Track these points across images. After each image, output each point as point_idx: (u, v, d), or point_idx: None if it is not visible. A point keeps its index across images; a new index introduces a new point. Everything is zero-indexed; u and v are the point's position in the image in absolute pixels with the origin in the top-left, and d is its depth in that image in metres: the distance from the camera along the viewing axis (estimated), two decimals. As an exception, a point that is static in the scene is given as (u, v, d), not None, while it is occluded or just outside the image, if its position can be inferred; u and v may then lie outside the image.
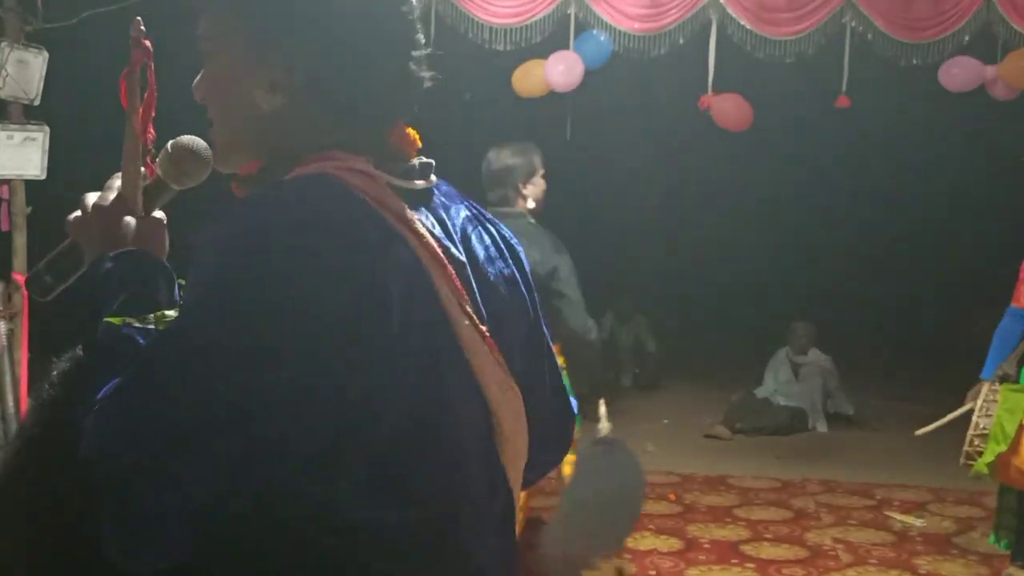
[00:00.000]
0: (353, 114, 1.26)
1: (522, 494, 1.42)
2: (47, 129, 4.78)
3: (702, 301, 10.53)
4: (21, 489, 1.29)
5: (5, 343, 4.68)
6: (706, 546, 5.06)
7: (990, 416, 4.21)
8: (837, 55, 5.52)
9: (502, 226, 1.41)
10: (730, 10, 5.32)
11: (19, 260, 4.80)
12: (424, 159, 1.33)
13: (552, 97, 5.72)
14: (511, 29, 5.38)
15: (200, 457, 1.08)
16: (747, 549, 5.01)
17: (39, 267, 1.39)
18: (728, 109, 5.65)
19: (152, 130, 1.36)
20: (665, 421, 7.74)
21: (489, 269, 1.33)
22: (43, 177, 4.80)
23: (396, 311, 1.14)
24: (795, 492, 6.04)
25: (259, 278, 1.10)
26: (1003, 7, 5.22)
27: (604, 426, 4.14)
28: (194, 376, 1.09)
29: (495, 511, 1.31)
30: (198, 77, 1.31)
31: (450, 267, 1.24)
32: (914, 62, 5.46)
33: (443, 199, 1.34)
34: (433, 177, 1.33)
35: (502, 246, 1.38)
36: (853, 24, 5.38)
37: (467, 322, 1.23)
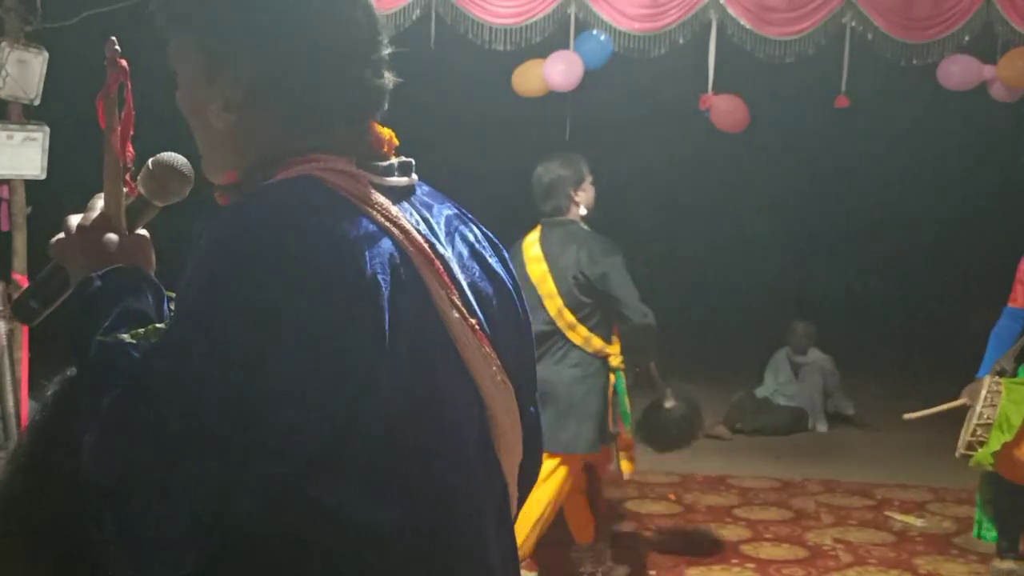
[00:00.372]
0: (317, 118, 1.27)
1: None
2: (47, 129, 4.78)
3: (702, 301, 10.53)
4: (20, 511, 1.29)
5: (5, 343, 4.67)
6: (706, 546, 5.06)
7: (994, 406, 4.17)
8: (837, 55, 5.51)
9: (482, 225, 1.42)
10: (730, 10, 5.32)
11: (19, 260, 4.79)
12: (403, 158, 1.34)
13: (552, 97, 5.71)
14: (511, 29, 5.38)
15: (201, 465, 1.08)
16: (747, 549, 5.01)
17: (23, 293, 1.40)
18: (723, 110, 5.65)
19: (131, 148, 1.37)
20: (665, 421, 7.73)
21: (475, 266, 1.33)
22: (43, 177, 4.79)
23: (386, 307, 1.15)
24: (795, 492, 6.04)
25: (248, 283, 1.11)
26: (1003, 7, 5.21)
27: (670, 403, 4.44)
28: (190, 385, 1.09)
29: (493, 504, 1.32)
30: (177, 93, 1.34)
31: (438, 262, 1.25)
32: (914, 62, 5.45)
33: (425, 198, 1.35)
34: (414, 176, 1.34)
35: (486, 244, 1.39)
36: (853, 24, 5.37)
37: (457, 315, 1.25)
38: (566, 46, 5.50)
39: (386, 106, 1.33)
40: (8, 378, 4.67)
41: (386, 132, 1.34)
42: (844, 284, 10.85)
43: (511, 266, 1.41)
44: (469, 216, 1.40)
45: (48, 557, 1.27)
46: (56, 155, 4.82)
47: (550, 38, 5.47)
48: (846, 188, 10.71)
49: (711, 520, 5.47)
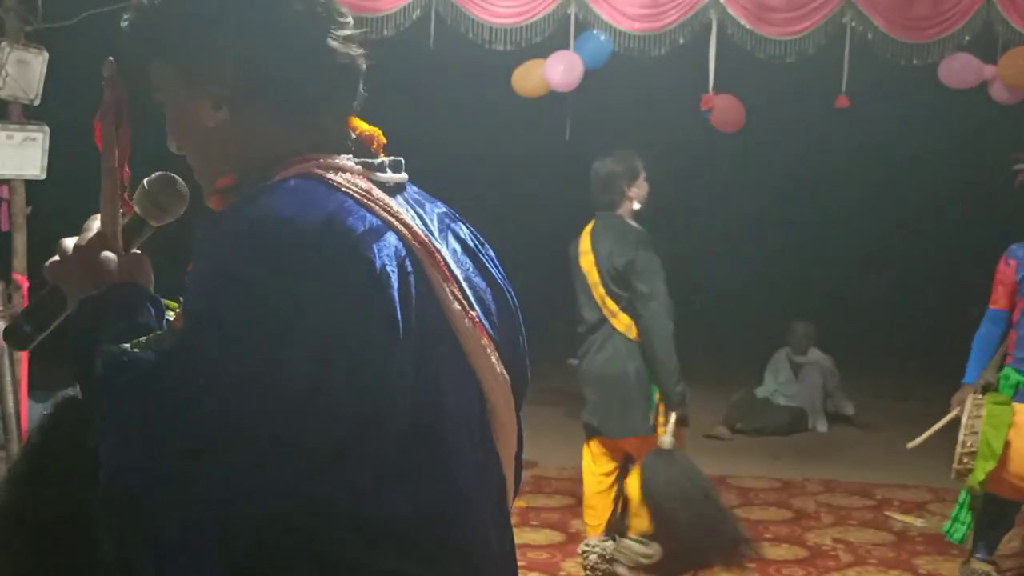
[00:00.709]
0: (303, 103, 1.29)
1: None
2: (47, 129, 4.78)
3: (702, 300, 10.52)
4: (23, 528, 1.29)
5: (5, 343, 4.67)
6: (706, 546, 5.06)
7: (976, 433, 4.21)
8: (837, 55, 5.51)
9: (470, 224, 1.43)
10: (730, 10, 5.32)
11: (19, 260, 4.79)
12: (393, 157, 1.35)
13: (552, 97, 5.72)
14: (511, 29, 5.38)
15: (222, 467, 1.09)
16: (747, 549, 5.01)
17: (16, 318, 1.39)
18: (720, 109, 5.65)
19: (128, 168, 1.37)
20: (665, 421, 7.73)
21: (468, 261, 1.35)
22: (43, 177, 4.79)
23: (396, 300, 1.16)
24: (795, 492, 6.04)
25: (260, 281, 1.11)
26: (1003, 7, 5.21)
27: (665, 439, 4.27)
28: (207, 387, 1.09)
29: (493, 496, 1.33)
30: (168, 135, 1.35)
31: (439, 255, 1.26)
32: (914, 62, 5.45)
33: (416, 196, 1.37)
34: (404, 174, 1.36)
35: (478, 241, 1.40)
36: (853, 24, 5.38)
37: (458, 307, 1.26)
38: (566, 46, 5.50)
39: (362, 87, 1.35)
40: (8, 378, 4.67)
41: (374, 130, 1.36)
42: (844, 284, 10.84)
43: (498, 265, 1.42)
44: (458, 215, 1.42)
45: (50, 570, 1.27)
46: (56, 155, 4.82)
47: (550, 38, 5.47)
48: (846, 188, 10.70)
49: (711, 520, 5.46)
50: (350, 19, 1.32)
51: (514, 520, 1.47)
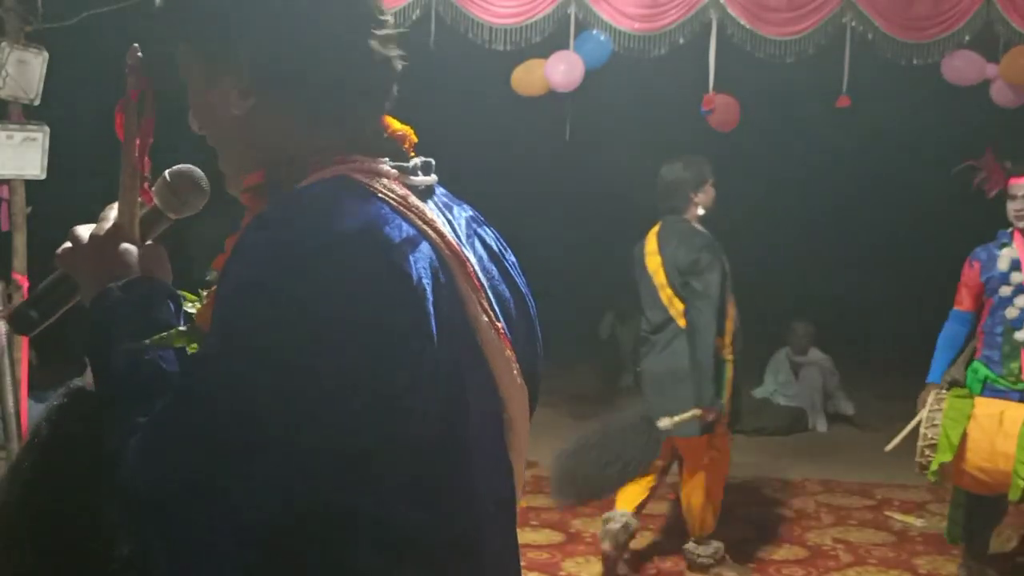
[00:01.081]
0: (330, 103, 1.26)
1: None
2: (47, 129, 4.78)
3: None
4: (25, 526, 1.28)
5: (5, 343, 4.67)
6: (706, 546, 5.05)
7: (936, 426, 4.27)
8: (837, 55, 5.51)
9: (493, 228, 1.42)
10: (730, 10, 5.32)
11: (19, 260, 4.79)
12: (424, 158, 1.33)
13: (551, 97, 5.71)
14: (511, 29, 5.38)
15: (249, 476, 1.08)
16: (747, 549, 5.01)
17: (22, 303, 1.38)
18: (715, 108, 5.65)
19: (148, 159, 1.35)
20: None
21: (493, 268, 1.33)
22: (43, 177, 4.79)
23: (428, 312, 1.15)
24: (795, 492, 6.04)
25: (295, 288, 1.09)
26: (1003, 7, 5.22)
27: (665, 422, 4.35)
28: (236, 395, 1.08)
29: (505, 507, 1.32)
30: (190, 115, 1.33)
31: (469, 265, 1.25)
32: (914, 62, 5.46)
33: (444, 199, 1.35)
34: (434, 176, 1.33)
35: (501, 246, 1.39)
36: (853, 24, 5.38)
37: (485, 319, 1.24)
38: (566, 46, 5.50)
39: (396, 90, 1.31)
40: (8, 378, 4.67)
41: (406, 129, 1.33)
42: (844, 284, 10.83)
43: (521, 270, 1.40)
44: (483, 219, 1.40)
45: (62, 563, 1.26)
46: (56, 155, 4.82)
47: (550, 38, 5.47)
48: (846, 188, 10.70)
49: (711, 520, 5.46)
50: (390, 18, 1.29)
51: (514, 520, 1.48)
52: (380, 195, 1.19)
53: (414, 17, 5.28)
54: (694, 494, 4.59)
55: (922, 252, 10.59)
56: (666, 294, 4.53)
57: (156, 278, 1.30)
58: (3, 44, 4.61)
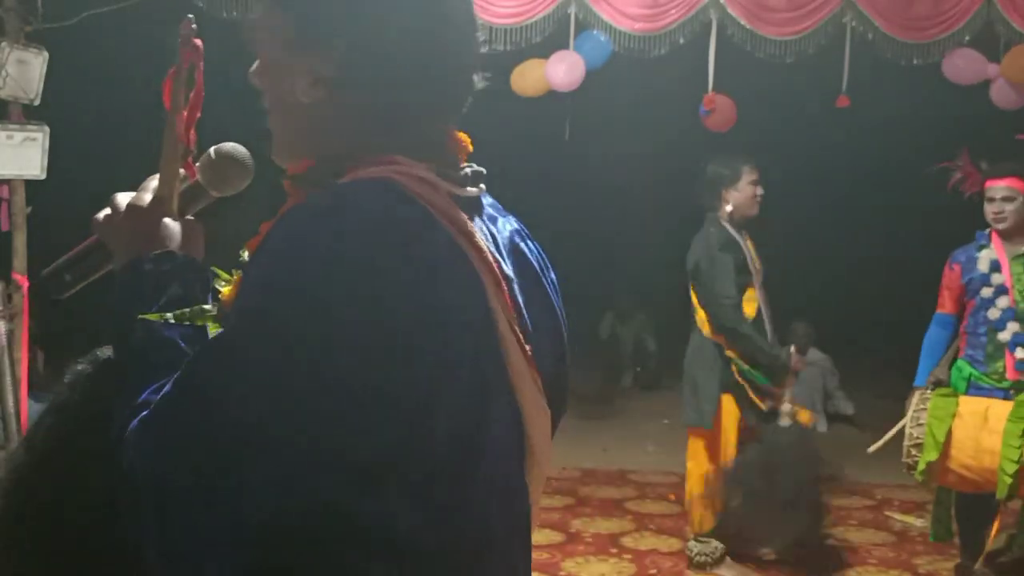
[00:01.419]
0: (402, 111, 1.22)
1: None
2: (47, 129, 4.78)
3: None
4: (40, 491, 1.27)
5: (5, 343, 4.68)
6: (706, 546, 5.05)
7: (922, 425, 4.30)
8: (837, 55, 5.51)
9: (537, 244, 1.38)
10: (730, 10, 5.32)
11: (19, 260, 4.80)
12: (476, 167, 1.29)
13: (551, 97, 5.71)
14: (511, 29, 5.38)
15: (252, 473, 1.05)
16: (747, 549, 5.00)
17: (58, 264, 1.36)
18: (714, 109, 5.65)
19: (194, 132, 1.32)
20: (665, 421, 7.73)
21: (531, 286, 1.29)
22: (43, 177, 4.80)
23: (454, 329, 1.12)
24: (795, 492, 6.03)
25: (319, 289, 1.06)
26: (1003, 6, 5.22)
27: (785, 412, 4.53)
28: (247, 388, 1.05)
29: (520, 525, 1.29)
30: (254, 65, 1.28)
31: (504, 283, 1.21)
32: (915, 62, 5.46)
33: (491, 210, 1.31)
34: (482, 186, 1.30)
35: (543, 263, 1.35)
36: (853, 24, 5.38)
37: (515, 341, 1.20)
38: (566, 46, 5.50)
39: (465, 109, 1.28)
40: (8, 378, 4.67)
41: (463, 137, 1.30)
42: (843, 284, 10.84)
43: (558, 289, 1.37)
44: (527, 231, 1.36)
45: (66, 549, 1.25)
46: (56, 155, 4.82)
47: (550, 38, 5.47)
48: (846, 188, 10.70)
49: (711, 520, 5.45)
50: (483, 37, 1.27)
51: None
52: (421, 202, 1.15)
53: (414, 17, 5.28)
54: (694, 489, 4.67)
55: (922, 252, 10.57)
56: (692, 292, 4.65)
57: (187, 255, 1.27)
58: (3, 44, 4.61)
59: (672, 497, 5.86)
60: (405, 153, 1.20)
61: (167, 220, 1.28)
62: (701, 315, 4.59)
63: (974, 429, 4.19)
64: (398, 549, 1.12)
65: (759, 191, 4.66)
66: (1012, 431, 4.10)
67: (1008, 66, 5.32)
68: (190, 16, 1.32)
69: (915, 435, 4.31)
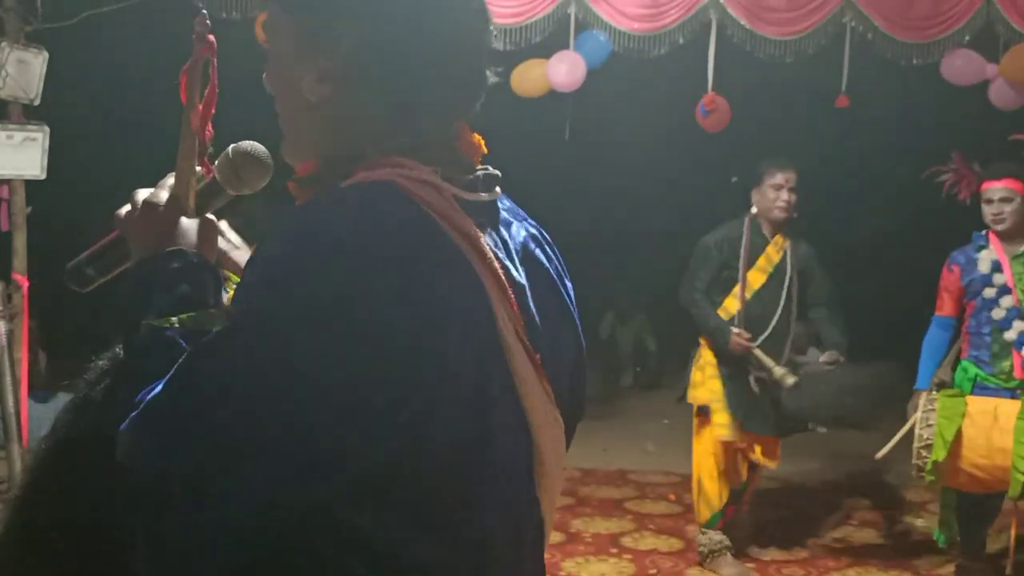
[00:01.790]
0: (410, 111, 1.21)
1: None
2: (47, 129, 4.78)
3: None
4: (52, 490, 1.28)
5: (5, 343, 4.68)
6: (706, 546, 5.05)
7: (932, 426, 4.30)
8: (837, 55, 5.51)
9: (556, 247, 1.36)
10: (730, 10, 5.32)
11: (19, 260, 4.79)
12: (490, 170, 1.27)
13: (551, 97, 5.71)
14: (511, 29, 5.37)
15: (244, 475, 1.03)
16: (747, 548, 5.00)
17: (81, 258, 1.36)
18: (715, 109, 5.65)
19: (210, 128, 1.32)
20: (665, 421, 7.74)
21: (546, 294, 1.27)
22: (43, 177, 4.80)
23: (454, 335, 1.10)
24: (795, 492, 6.04)
25: (317, 292, 1.05)
26: (1003, 6, 5.21)
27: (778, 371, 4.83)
28: (242, 389, 1.04)
29: (529, 539, 1.27)
30: (264, 76, 1.28)
31: (510, 291, 1.19)
32: (914, 62, 5.46)
33: (505, 214, 1.29)
34: (498, 189, 1.28)
35: (561, 271, 1.33)
36: (853, 24, 5.38)
37: (522, 350, 1.18)
38: (566, 46, 5.49)
39: (478, 108, 1.27)
40: (8, 378, 4.67)
41: (477, 139, 1.28)
42: (843, 284, 10.83)
43: (574, 298, 1.35)
44: (545, 237, 1.34)
45: (77, 536, 1.24)
46: (56, 155, 4.82)
47: (550, 38, 5.46)
48: (846, 187, 10.70)
49: (711, 520, 5.45)
50: (494, 32, 1.26)
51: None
52: (423, 206, 1.14)
53: (414, 17, 5.27)
54: (695, 480, 4.85)
55: (922, 252, 10.58)
56: None
57: (199, 254, 1.25)
58: (3, 44, 4.61)
59: (672, 497, 5.86)
60: (412, 154, 1.18)
61: (181, 217, 1.27)
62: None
63: (985, 428, 4.18)
64: (392, 560, 1.10)
65: (783, 196, 4.72)
66: (1023, 429, 4.09)
67: (1007, 66, 5.32)
68: (204, 12, 1.31)
69: (925, 436, 4.30)
